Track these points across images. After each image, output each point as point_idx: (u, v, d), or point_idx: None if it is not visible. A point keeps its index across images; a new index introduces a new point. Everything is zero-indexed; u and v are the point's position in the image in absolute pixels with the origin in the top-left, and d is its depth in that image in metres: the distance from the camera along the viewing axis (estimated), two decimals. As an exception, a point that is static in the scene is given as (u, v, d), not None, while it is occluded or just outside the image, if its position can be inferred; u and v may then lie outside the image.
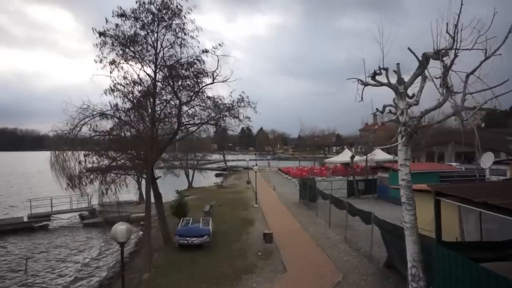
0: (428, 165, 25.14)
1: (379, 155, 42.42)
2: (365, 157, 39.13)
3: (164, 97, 12.70)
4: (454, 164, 38.42)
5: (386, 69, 7.42)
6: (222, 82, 12.66)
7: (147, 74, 11.92)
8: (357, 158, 42.16)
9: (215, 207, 22.85)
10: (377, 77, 7.68)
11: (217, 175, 56.60)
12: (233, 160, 76.51)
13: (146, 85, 11.97)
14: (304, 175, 38.61)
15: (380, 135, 63.21)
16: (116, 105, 11.03)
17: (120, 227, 6.07)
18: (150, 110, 11.77)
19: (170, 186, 40.92)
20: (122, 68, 11.87)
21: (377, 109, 7.79)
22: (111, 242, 18.17)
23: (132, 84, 11.68)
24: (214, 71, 12.49)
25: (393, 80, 7.50)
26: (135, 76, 11.85)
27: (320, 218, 18.92)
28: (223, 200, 27.30)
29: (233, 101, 12.62)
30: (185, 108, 12.93)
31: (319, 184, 25.22)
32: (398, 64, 7.37)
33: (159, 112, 12.36)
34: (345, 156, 43.54)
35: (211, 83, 12.79)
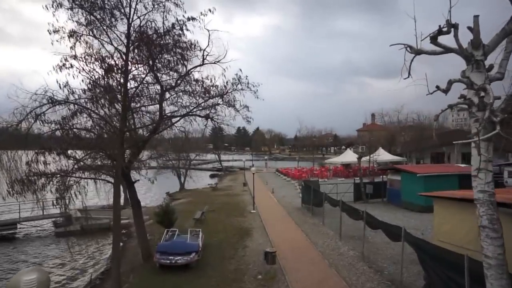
0: (445, 167, 22.84)
1: (383, 155, 40.24)
2: (368, 157, 36.86)
3: (140, 79, 10.05)
4: (462, 165, 36.33)
5: (455, 26, 4.97)
6: (214, 63, 10.14)
7: (117, 49, 9.29)
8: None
9: (207, 213, 20.31)
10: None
11: (211, 176, 53.97)
12: (228, 160, 73.92)
13: (116, 63, 9.32)
14: (304, 177, 36.21)
15: (381, 135, 61.54)
16: (67, 84, 8.35)
17: (26, 279, 3.45)
18: (120, 96, 9.16)
19: (161, 187, 38.29)
20: (86, 43, 9.30)
21: (437, 87, 5.32)
22: (78, 257, 15.53)
23: (93, 60, 9.03)
24: (204, 50, 9.97)
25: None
26: (104, 53, 9.24)
27: (327, 227, 16.49)
28: (217, 204, 24.75)
29: (226, 82, 10.09)
30: (167, 95, 10.34)
31: (322, 187, 22.85)
32: (476, 16, 4.91)
33: (131, 97, 9.70)
34: (348, 156, 41.31)
35: (200, 65, 10.25)
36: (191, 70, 10.36)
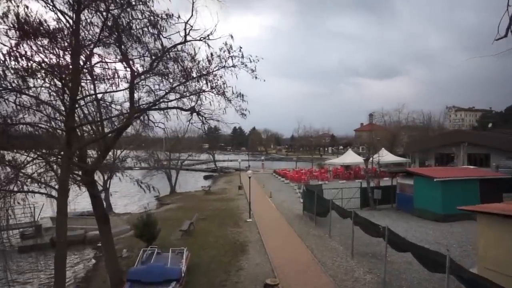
0: (463, 170, 20.69)
1: (386, 156, 38.12)
2: (372, 158, 34.76)
3: (100, 58, 7.53)
4: (471, 167, 34.34)
5: None
6: (200, 40, 7.78)
7: (62, 12, 6.75)
8: (360, 160, 37.88)
9: (197, 222, 17.94)
10: None
11: (205, 177, 51.46)
12: (224, 161, 71.33)
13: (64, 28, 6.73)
14: (303, 179, 33.98)
15: (381, 135, 59.49)
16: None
17: None
18: (65, 77, 6.71)
19: (151, 190, 35.76)
20: (27, 8, 6.83)
21: None
22: (37, 280, 12.91)
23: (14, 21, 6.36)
24: (187, 22, 7.60)
25: None
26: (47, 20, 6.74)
27: (334, 241, 14.25)
28: (209, 210, 22.40)
29: (211, 55, 7.56)
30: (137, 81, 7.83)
31: (326, 192, 20.57)
32: None
33: (78, 74, 7.14)
34: (349, 157, 39.12)
35: (182, 42, 7.86)
36: (170, 50, 7.98)
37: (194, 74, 7.81)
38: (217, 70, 7.66)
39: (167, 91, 8.00)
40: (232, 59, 7.44)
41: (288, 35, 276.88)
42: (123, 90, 7.85)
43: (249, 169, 39.06)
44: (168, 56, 7.84)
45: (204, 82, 7.78)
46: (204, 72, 7.70)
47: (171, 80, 7.94)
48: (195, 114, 8.87)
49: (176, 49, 7.96)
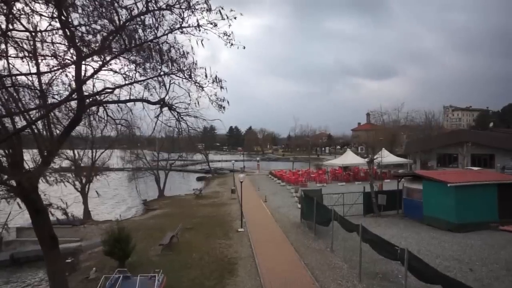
0: (478, 174, 18.81)
1: (387, 157, 36.32)
2: (372, 159, 32.89)
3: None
4: (475, 168, 32.72)
5: None
6: (167, 9, 5.76)
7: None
8: (359, 161, 36.09)
9: (182, 233, 15.95)
10: None
11: (198, 179, 49.34)
12: (218, 161, 69.18)
13: None
14: (301, 181, 32.08)
15: (380, 135, 57.81)
16: None
17: None
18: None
19: (139, 194, 33.68)
20: None
21: None
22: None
23: None
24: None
25: None
26: None
27: (338, 257, 12.31)
28: (198, 218, 20.41)
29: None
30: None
31: (326, 198, 18.68)
32: None
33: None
34: (349, 158, 37.25)
35: (142, 13, 5.79)
36: (130, 22, 5.98)
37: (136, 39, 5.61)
38: (169, 32, 5.51)
39: (96, 69, 5.83)
40: (193, 12, 5.27)
41: (284, 35, 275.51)
42: (57, 70, 5.78)
43: (243, 170, 37.06)
44: (126, 29, 5.80)
45: (157, 55, 5.58)
46: (151, 36, 5.58)
47: (106, 55, 5.81)
48: (166, 108, 6.88)
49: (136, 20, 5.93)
